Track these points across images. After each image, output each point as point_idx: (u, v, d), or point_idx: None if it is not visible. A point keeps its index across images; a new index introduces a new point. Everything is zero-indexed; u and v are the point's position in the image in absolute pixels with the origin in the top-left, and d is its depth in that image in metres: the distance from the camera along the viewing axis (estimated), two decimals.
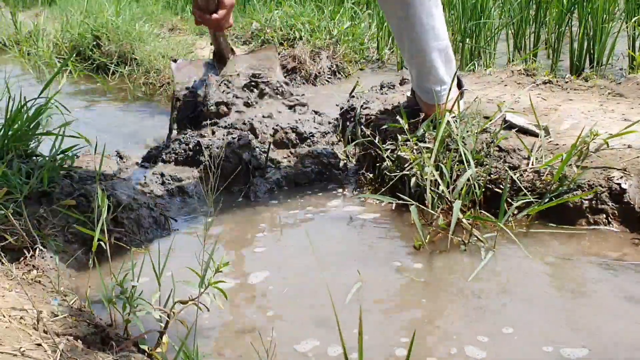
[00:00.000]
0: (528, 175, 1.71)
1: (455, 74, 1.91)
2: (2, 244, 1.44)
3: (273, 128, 2.16)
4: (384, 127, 2.04)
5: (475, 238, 1.58)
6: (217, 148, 2.05)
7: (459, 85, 2.01)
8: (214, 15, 2.14)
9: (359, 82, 2.69)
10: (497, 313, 1.33)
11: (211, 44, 2.45)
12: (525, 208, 1.64)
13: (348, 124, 2.23)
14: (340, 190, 2.02)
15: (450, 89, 1.90)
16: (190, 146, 2.07)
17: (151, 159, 2.13)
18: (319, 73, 3.36)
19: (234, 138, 2.08)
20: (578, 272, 1.47)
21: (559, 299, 1.38)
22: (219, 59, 2.45)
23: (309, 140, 2.15)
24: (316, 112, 2.29)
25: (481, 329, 1.28)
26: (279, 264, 1.61)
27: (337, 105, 2.47)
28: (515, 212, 1.63)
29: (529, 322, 1.29)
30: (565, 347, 1.20)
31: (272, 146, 2.11)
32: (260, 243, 1.73)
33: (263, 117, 2.20)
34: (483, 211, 1.66)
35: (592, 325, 1.27)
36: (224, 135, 2.11)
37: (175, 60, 2.44)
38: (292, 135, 2.14)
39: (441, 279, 1.48)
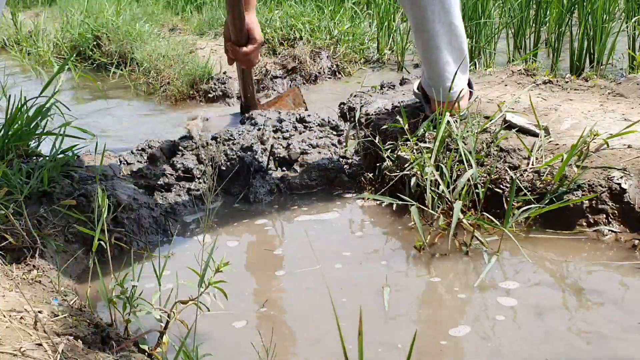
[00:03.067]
0: (528, 175, 1.71)
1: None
2: (2, 243, 1.44)
3: (275, 126, 2.16)
4: (384, 127, 2.04)
5: (478, 241, 1.57)
6: (217, 149, 2.05)
7: (470, 86, 2.03)
8: (244, 49, 2.20)
9: (361, 82, 2.69)
10: (503, 321, 1.33)
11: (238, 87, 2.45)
12: (525, 207, 1.63)
13: (348, 123, 2.23)
14: (340, 190, 2.02)
15: (462, 89, 1.91)
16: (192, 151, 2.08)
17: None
18: (319, 73, 3.37)
19: (237, 140, 2.08)
20: (579, 279, 1.47)
21: (566, 306, 1.38)
22: (244, 104, 2.46)
23: (310, 145, 2.15)
24: (328, 121, 2.28)
25: (484, 337, 1.28)
26: (279, 265, 1.61)
27: (337, 106, 2.47)
28: (515, 212, 1.63)
29: (535, 332, 1.29)
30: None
31: (274, 149, 2.10)
32: (260, 243, 1.73)
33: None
34: (484, 212, 1.66)
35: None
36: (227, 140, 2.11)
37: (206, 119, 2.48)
38: (295, 142, 2.14)
39: (444, 282, 1.48)
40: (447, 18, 1.83)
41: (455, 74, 1.86)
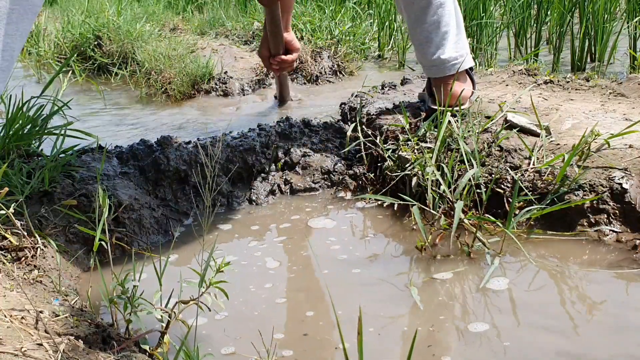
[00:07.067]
0: (529, 175, 1.71)
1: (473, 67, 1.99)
2: (3, 243, 1.44)
3: (277, 131, 2.16)
4: (385, 127, 2.04)
5: (480, 243, 1.56)
6: (217, 149, 2.05)
7: (472, 83, 2.04)
8: (290, 57, 2.42)
9: (363, 82, 2.69)
10: (505, 323, 1.33)
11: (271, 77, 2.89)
12: (526, 207, 1.63)
13: (349, 124, 2.22)
14: (342, 191, 2.02)
15: (464, 60, 1.95)
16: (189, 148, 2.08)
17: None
18: (321, 73, 3.36)
19: (240, 141, 2.08)
20: (582, 282, 1.47)
21: (568, 309, 1.38)
22: (281, 100, 2.86)
23: (313, 147, 2.14)
24: (331, 124, 2.26)
25: (485, 339, 1.28)
26: (280, 266, 1.61)
27: (338, 105, 2.47)
28: (516, 212, 1.63)
29: (540, 337, 1.29)
30: None
31: (277, 151, 2.10)
32: (261, 245, 1.73)
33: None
34: (485, 213, 1.65)
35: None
36: (229, 139, 2.11)
37: None
38: (298, 144, 2.13)
39: (448, 284, 1.48)
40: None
41: (456, 50, 1.91)
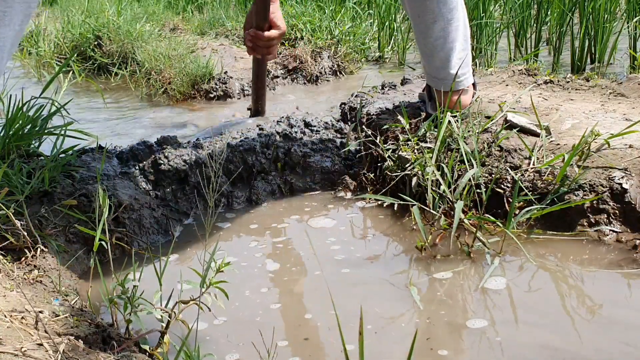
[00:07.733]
0: (529, 175, 1.71)
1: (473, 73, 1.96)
2: (3, 243, 1.44)
3: (277, 131, 2.16)
4: (385, 127, 2.04)
5: (480, 243, 1.56)
6: (219, 149, 2.05)
7: (474, 86, 2.03)
8: (266, 33, 2.16)
9: (362, 82, 2.69)
10: (506, 323, 1.33)
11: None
12: (526, 207, 1.63)
13: (349, 124, 2.22)
14: (342, 191, 2.02)
15: (466, 79, 1.93)
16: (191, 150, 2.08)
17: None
18: (321, 73, 3.36)
19: (240, 141, 2.08)
20: (582, 282, 1.47)
21: (569, 310, 1.37)
22: (255, 114, 2.45)
23: (313, 147, 2.14)
24: (332, 124, 2.26)
25: (486, 341, 1.28)
26: (280, 267, 1.61)
27: (338, 105, 2.47)
28: (516, 212, 1.63)
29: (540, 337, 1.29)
30: None
31: (277, 151, 2.10)
32: (261, 245, 1.73)
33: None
34: (485, 212, 1.65)
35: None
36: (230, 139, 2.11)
37: None
38: (298, 144, 2.13)
39: (448, 284, 1.48)
40: (447, 5, 1.84)
41: (459, 68, 1.87)
